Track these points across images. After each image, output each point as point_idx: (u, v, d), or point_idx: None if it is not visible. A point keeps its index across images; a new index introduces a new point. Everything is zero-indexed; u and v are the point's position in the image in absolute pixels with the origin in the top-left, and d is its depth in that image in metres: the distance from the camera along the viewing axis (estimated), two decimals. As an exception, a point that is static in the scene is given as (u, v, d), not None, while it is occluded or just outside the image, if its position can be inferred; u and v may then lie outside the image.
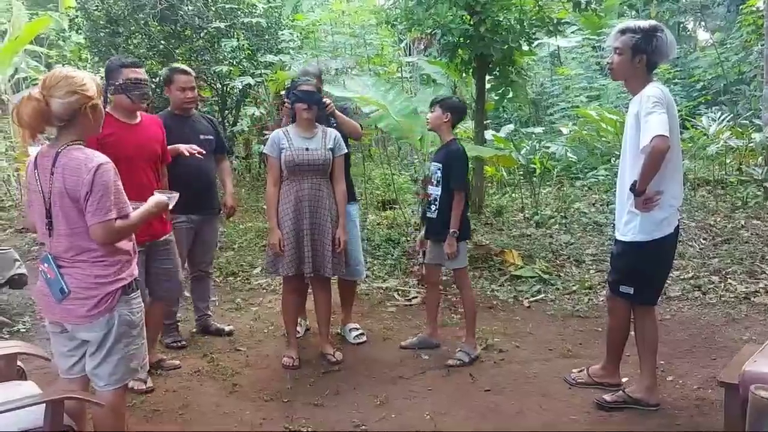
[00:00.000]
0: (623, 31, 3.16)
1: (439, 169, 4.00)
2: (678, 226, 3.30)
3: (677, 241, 3.40)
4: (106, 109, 3.46)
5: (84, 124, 2.43)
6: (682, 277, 5.26)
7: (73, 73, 2.43)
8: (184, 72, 4.23)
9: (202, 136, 4.22)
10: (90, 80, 2.43)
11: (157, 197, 2.64)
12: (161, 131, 3.79)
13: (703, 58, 11.17)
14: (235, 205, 4.58)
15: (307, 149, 3.85)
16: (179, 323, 4.46)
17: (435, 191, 4.03)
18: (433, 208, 4.03)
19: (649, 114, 2.99)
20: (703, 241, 5.99)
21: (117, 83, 3.47)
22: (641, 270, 3.26)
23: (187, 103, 4.19)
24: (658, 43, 3.10)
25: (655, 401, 3.32)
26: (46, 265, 2.47)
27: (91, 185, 2.33)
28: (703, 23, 13.43)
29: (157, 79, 6.08)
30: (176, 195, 2.78)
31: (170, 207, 2.70)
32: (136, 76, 3.51)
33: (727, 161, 7.81)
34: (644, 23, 3.16)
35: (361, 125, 4.56)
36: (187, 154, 3.93)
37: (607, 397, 3.38)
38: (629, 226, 3.23)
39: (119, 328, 2.48)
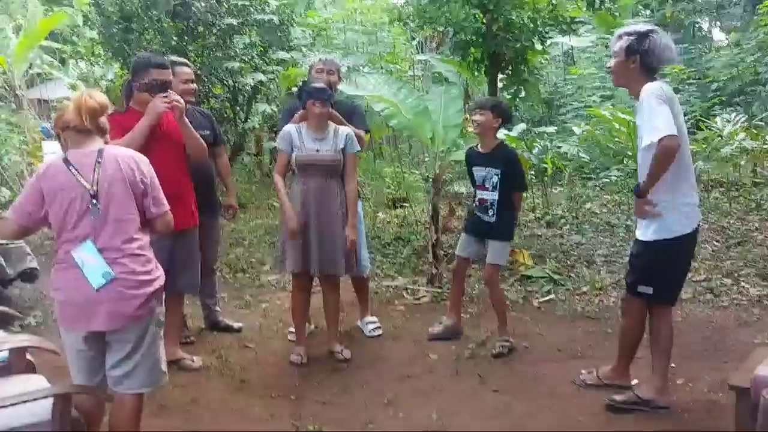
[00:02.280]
0: (620, 36, 3.18)
1: (496, 174, 4.00)
2: (698, 226, 3.27)
3: (696, 241, 3.37)
4: (130, 104, 3.54)
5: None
6: (694, 279, 5.21)
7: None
8: (185, 64, 4.16)
9: (198, 132, 4.08)
10: None
11: None
12: None
13: (719, 58, 11.06)
14: (236, 206, 4.60)
15: (317, 150, 3.83)
16: (186, 318, 4.48)
17: (491, 196, 4.02)
18: (491, 213, 4.04)
19: (653, 111, 2.94)
20: (716, 243, 5.94)
21: (143, 81, 3.51)
22: (660, 269, 3.22)
23: (188, 95, 4.05)
24: (650, 44, 3.08)
25: (665, 403, 3.29)
26: (84, 252, 2.43)
27: (151, 177, 2.60)
28: (718, 23, 13.30)
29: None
30: None
31: None
32: (162, 78, 3.53)
33: (742, 163, 7.74)
34: (641, 27, 3.17)
35: (368, 130, 4.51)
36: None
37: (617, 397, 3.35)
38: (650, 226, 3.19)
39: (154, 328, 2.54)
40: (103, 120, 2.56)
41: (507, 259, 4.37)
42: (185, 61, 4.27)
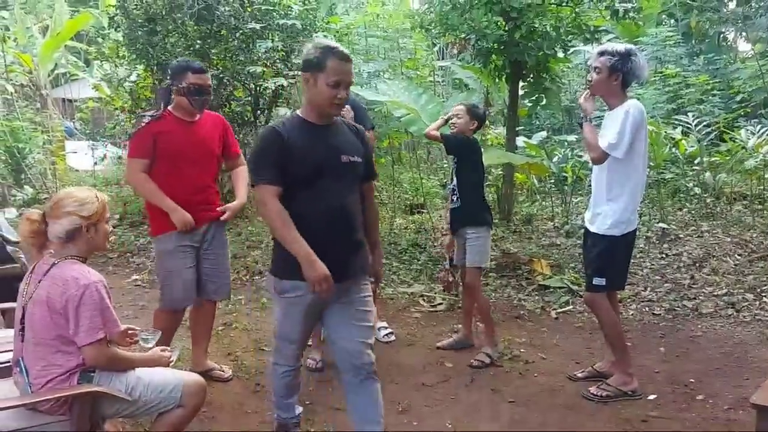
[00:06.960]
0: (602, 53, 3.48)
1: (454, 161, 4.18)
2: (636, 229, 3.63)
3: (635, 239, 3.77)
4: (168, 108, 3.55)
5: (84, 243, 2.41)
6: (715, 293, 5.13)
7: (76, 194, 2.41)
8: (344, 57, 2.62)
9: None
10: (92, 200, 2.41)
11: (159, 354, 2.59)
12: (220, 129, 3.71)
13: (744, 69, 10.89)
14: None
15: None
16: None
17: (453, 183, 4.18)
18: (455, 198, 4.16)
19: (624, 128, 3.33)
20: (738, 257, 5.84)
21: (181, 85, 3.48)
22: (613, 261, 3.53)
23: (335, 106, 2.66)
24: (633, 65, 3.43)
25: (633, 389, 3.56)
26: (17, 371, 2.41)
27: (78, 302, 2.26)
28: (744, 34, 13.11)
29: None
30: (177, 352, 2.73)
31: (172, 360, 2.64)
32: (200, 83, 3.49)
33: (766, 176, 7.62)
34: (620, 47, 3.49)
35: (372, 126, 4.49)
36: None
37: (594, 390, 3.57)
38: (606, 221, 3.47)
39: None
40: (61, 229, 2.36)
41: (487, 257, 4.22)
42: (344, 52, 2.69)
